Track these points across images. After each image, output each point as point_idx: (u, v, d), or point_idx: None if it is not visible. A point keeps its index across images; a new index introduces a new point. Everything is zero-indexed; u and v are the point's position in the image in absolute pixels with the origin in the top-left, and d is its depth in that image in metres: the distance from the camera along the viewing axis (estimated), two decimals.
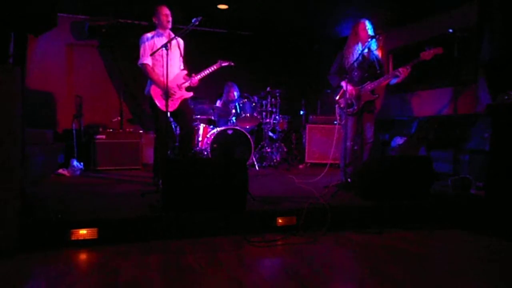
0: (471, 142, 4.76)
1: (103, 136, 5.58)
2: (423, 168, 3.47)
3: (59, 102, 6.33)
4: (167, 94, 3.56)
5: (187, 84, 4.01)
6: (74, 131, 5.38)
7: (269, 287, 1.97)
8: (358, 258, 2.47)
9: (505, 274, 2.22)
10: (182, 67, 4.10)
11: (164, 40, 3.85)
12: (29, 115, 2.80)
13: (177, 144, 5.73)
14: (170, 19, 3.92)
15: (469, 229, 3.07)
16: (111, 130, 5.72)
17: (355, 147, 4.16)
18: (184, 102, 4.06)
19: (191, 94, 4.09)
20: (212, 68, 4.17)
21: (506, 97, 3.25)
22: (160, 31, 3.95)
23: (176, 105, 3.99)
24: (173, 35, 3.81)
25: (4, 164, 2.31)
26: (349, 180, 3.89)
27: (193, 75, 4.05)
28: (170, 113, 4.00)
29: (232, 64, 4.43)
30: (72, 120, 5.56)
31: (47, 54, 6.17)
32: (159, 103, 3.88)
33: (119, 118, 6.30)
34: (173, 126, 5.45)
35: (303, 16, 6.27)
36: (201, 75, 4.08)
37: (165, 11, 3.91)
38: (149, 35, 3.92)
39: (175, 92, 3.95)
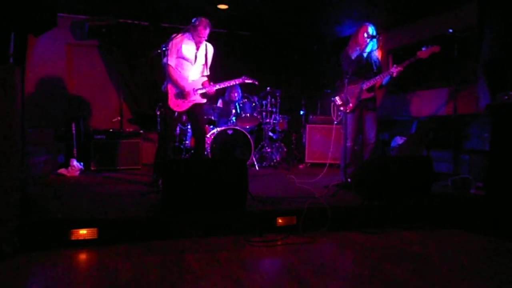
0: (471, 142, 4.75)
1: (103, 136, 5.58)
2: (423, 168, 3.48)
3: (59, 102, 6.33)
4: (164, 97, 3.63)
5: (203, 91, 3.97)
6: (74, 131, 5.38)
7: (269, 287, 1.97)
8: (358, 258, 2.46)
9: (505, 274, 2.22)
10: (205, 73, 4.08)
11: (192, 45, 3.90)
12: (29, 115, 2.80)
13: (177, 144, 5.76)
14: (205, 36, 3.88)
15: (469, 229, 3.07)
16: (111, 130, 5.72)
17: (356, 147, 4.15)
18: (196, 105, 4.01)
19: (204, 100, 4.03)
20: (234, 82, 4.13)
21: (506, 97, 3.26)
22: (191, 36, 3.89)
23: (187, 107, 3.96)
24: (203, 41, 3.88)
25: (4, 164, 2.31)
26: (349, 180, 3.89)
27: (212, 84, 4.00)
28: (181, 112, 4.00)
29: (256, 83, 4.39)
30: (72, 120, 5.56)
31: (47, 54, 6.16)
32: (170, 101, 3.89)
33: (119, 118, 6.30)
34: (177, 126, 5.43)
35: (303, 16, 6.26)
36: (220, 86, 4.05)
37: (207, 28, 3.83)
38: (179, 36, 3.79)
39: (189, 95, 3.93)
